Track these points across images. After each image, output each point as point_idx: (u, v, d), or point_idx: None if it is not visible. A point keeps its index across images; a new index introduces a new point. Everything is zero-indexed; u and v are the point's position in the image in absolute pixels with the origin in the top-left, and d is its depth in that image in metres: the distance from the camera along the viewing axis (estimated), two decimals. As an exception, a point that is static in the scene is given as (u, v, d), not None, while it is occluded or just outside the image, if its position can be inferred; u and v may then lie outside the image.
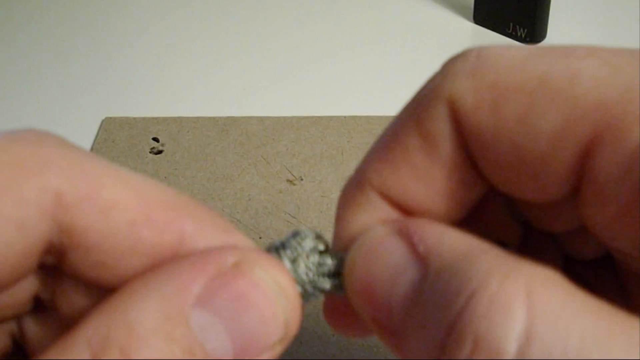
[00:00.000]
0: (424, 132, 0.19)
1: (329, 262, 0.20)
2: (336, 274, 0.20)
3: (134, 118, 0.55)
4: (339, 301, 0.21)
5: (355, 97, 0.58)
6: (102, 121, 0.56)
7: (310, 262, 0.20)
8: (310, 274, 0.19)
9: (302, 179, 0.49)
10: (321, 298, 0.20)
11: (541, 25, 0.60)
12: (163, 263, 0.17)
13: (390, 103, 0.55)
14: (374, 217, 0.20)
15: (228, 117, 0.55)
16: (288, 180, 0.49)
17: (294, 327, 0.17)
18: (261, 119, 0.54)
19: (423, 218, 0.19)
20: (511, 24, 0.61)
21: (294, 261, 0.19)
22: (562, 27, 0.63)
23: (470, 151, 0.19)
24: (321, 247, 0.20)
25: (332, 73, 0.61)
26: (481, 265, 0.15)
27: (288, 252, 0.19)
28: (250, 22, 0.69)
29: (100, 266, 0.18)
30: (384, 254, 0.18)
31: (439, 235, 0.17)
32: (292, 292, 0.17)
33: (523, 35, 0.60)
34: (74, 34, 0.69)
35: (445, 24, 0.65)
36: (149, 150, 0.52)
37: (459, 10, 0.67)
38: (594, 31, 0.64)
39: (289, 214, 0.46)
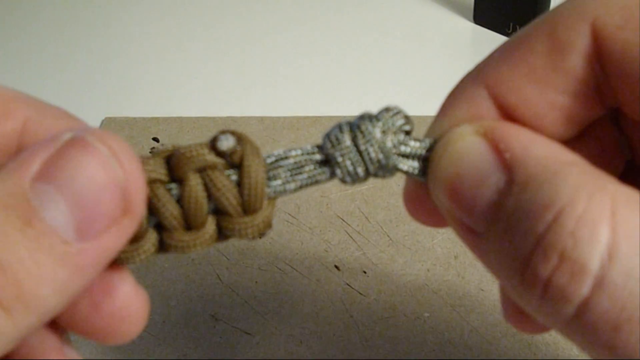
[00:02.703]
0: (556, 39, 0.19)
1: (412, 144, 0.20)
2: (418, 158, 0.20)
3: (134, 118, 0.55)
4: (419, 188, 0.21)
5: (355, 97, 0.58)
6: (102, 121, 0.56)
7: (397, 139, 0.20)
8: (394, 150, 0.20)
9: (302, 179, 0.48)
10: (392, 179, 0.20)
11: (541, 25, 0.60)
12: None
13: (390, 103, 0.55)
14: (474, 113, 0.20)
15: (228, 117, 0.55)
16: (288, 180, 0.48)
17: (135, 197, 0.17)
18: (261, 119, 0.54)
19: (514, 124, 0.19)
20: (511, 24, 0.61)
21: (383, 133, 0.20)
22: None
23: (606, 69, 0.19)
24: (408, 128, 0.20)
25: (332, 73, 0.61)
26: (568, 180, 0.16)
27: (380, 124, 0.20)
28: (250, 22, 0.69)
29: None
30: (469, 154, 0.18)
31: (526, 143, 0.17)
32: (129, 161, 0.17)
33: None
34: (74, 34, 0.69)
35: (445, 24, 0.65)
36: (149, 150, 0.52)
37: (459, 10, 0.67)
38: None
39: (289, 214, 0.46)
